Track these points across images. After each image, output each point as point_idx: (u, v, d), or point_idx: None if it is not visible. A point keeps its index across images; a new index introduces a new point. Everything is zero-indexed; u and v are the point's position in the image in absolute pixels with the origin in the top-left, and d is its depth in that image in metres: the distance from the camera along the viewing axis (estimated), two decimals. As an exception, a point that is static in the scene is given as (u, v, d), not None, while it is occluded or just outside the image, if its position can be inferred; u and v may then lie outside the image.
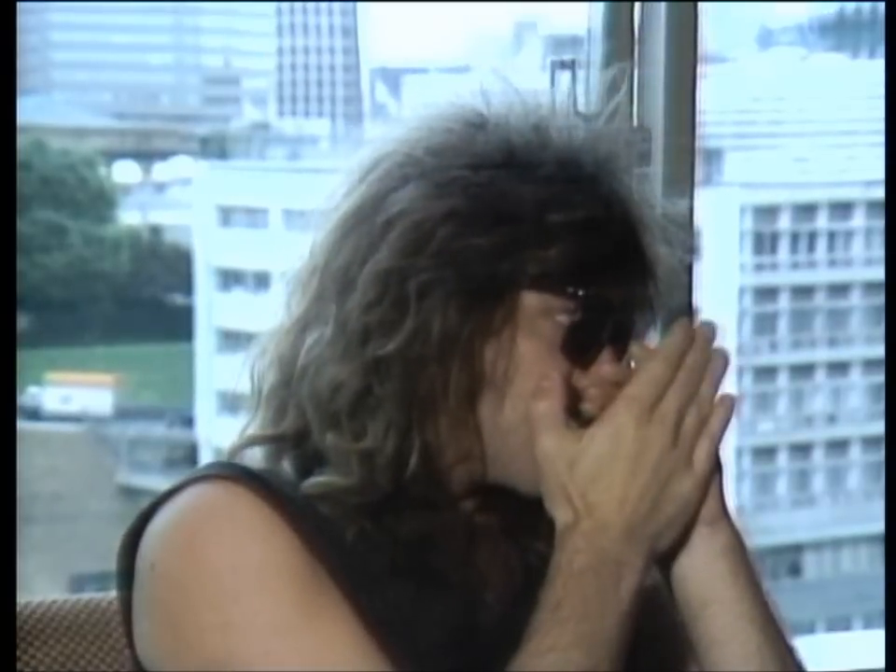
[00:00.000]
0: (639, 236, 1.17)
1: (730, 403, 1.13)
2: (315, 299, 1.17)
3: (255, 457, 1.21)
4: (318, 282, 1.17)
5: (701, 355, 1.12)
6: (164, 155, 6.82)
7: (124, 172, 6.77)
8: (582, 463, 1.11)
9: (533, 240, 1.15)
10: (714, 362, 1.13)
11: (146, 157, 6.76)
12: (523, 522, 1.17)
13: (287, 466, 1.19)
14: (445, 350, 1.12)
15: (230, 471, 1.16)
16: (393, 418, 1.13)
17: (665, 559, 1.15)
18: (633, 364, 1.17)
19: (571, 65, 1.91)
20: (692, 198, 1.84)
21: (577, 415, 1.15)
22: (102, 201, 6.63)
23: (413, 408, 1.13)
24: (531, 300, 1.15)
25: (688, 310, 1.21)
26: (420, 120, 1.18)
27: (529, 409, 1.13)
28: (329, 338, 1.14)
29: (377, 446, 1.12)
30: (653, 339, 1.21)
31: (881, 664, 2.22)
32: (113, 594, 1.21)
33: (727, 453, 1.17)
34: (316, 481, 1.15)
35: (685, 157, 1.95)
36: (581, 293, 1.14)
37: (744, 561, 1.15)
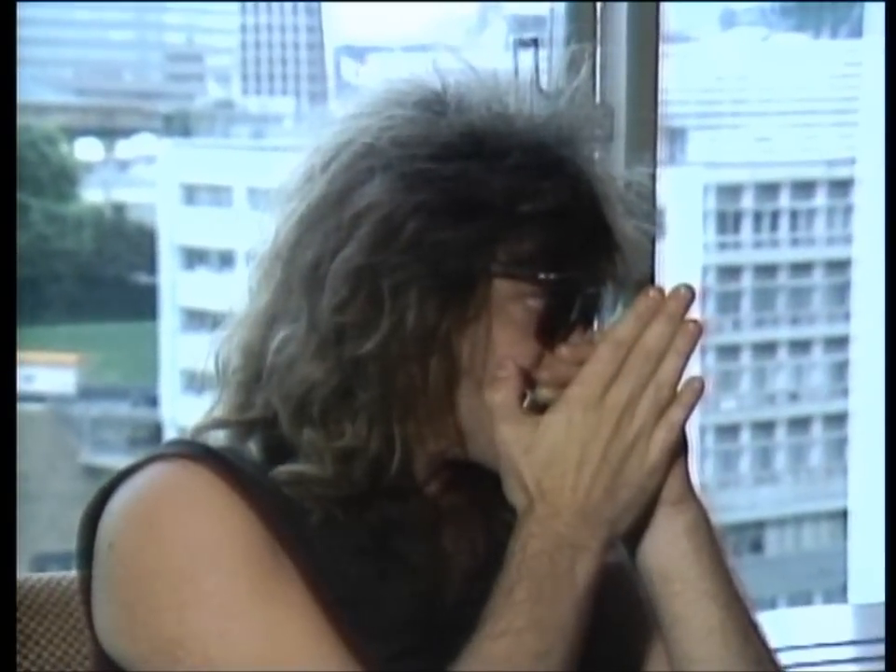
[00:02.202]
0: (605, 213, 1.17)
1: (696, 387, 1.13)
2: (280, 290, 1.17)
3: (218, 436, 1.21)
4: (283, 273, 1.17)
5: (665, 329, 1.11)
6: (127, 132, 6.77)
7: (86, 149, 6.72)
8: (537, 450, 1.12)
9: (504, 229, 1.15)
10: (681, 337, 1.12)
11: (108, 134, 6.71)
12: (493, 496, 1.18)
13: (252, 446, 1.19)
14: (424, 346, 1.13)
15: (190, 450, 1.16)
16: (374, 418, 1.13)
17: (629, 538, 1.15)
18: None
19: (534, 44, 1.91)
20: (654, 177, 1.85)
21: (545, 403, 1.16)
22: (64, 178, 6.58)
23: (394, 406, 1.13)
24: (503, 286, 1.16)
25: (650, 286, 1.21)
26: (378, 106, 1.17)
27: (485, 399, 1.14)
28: (301, 336, 1.14)
29: (358, 445, 1.13)
30: (619, 314, 1.21)
31: (841, 637, 2.25)
32: (75, 573, 1.21)
33: (691, 431, 1.17)
34: (287, 469, 1.15)
35: (648, 136, 1.96)
36: (552, 277, 1.15)
37: (708, 540, 1.16)
